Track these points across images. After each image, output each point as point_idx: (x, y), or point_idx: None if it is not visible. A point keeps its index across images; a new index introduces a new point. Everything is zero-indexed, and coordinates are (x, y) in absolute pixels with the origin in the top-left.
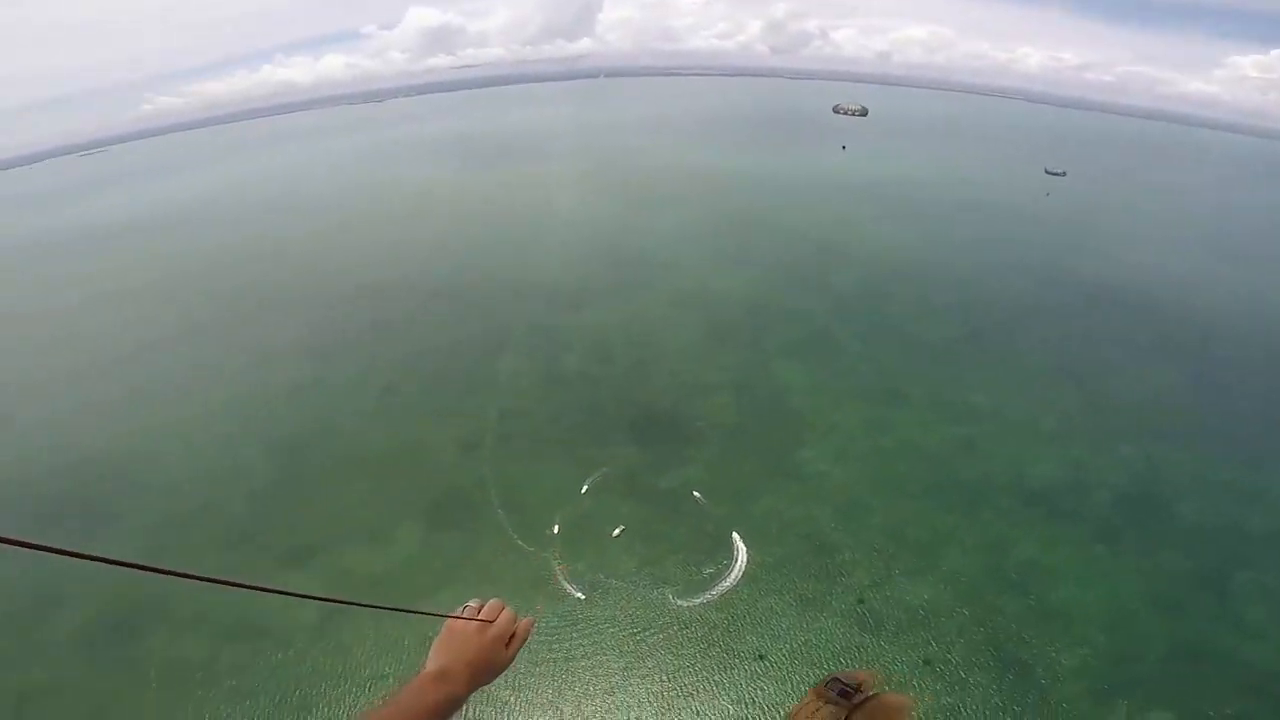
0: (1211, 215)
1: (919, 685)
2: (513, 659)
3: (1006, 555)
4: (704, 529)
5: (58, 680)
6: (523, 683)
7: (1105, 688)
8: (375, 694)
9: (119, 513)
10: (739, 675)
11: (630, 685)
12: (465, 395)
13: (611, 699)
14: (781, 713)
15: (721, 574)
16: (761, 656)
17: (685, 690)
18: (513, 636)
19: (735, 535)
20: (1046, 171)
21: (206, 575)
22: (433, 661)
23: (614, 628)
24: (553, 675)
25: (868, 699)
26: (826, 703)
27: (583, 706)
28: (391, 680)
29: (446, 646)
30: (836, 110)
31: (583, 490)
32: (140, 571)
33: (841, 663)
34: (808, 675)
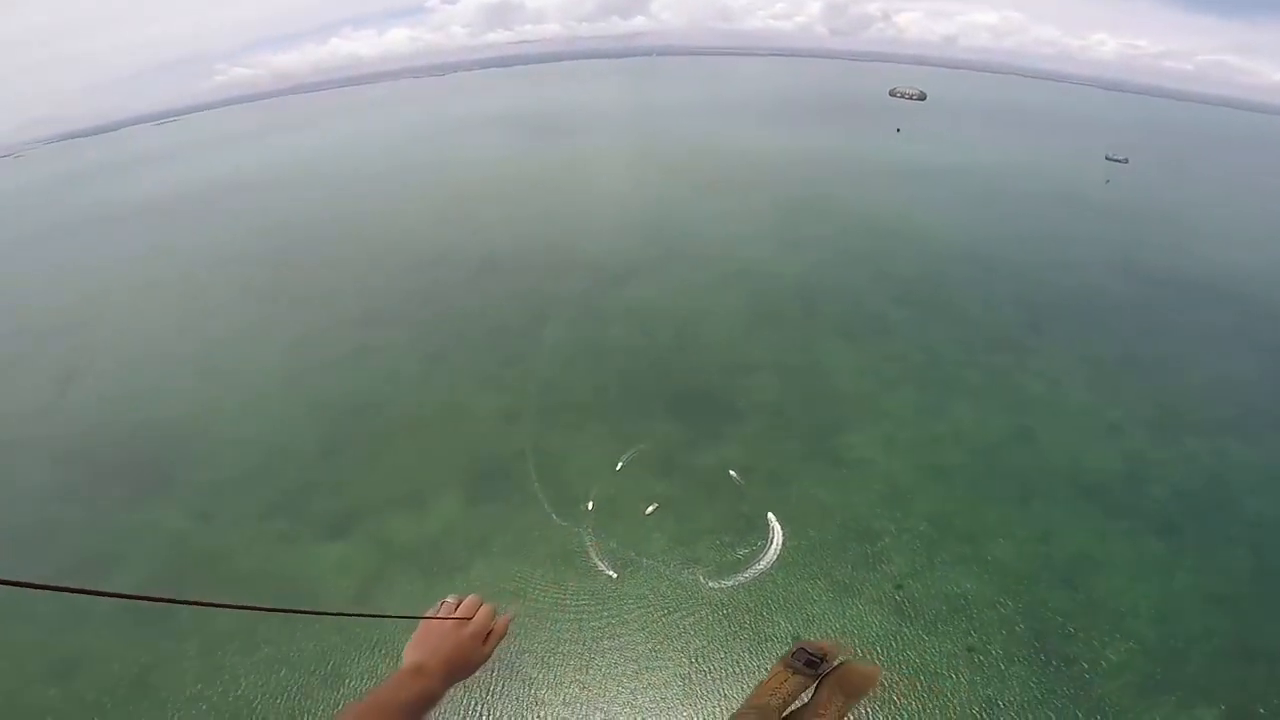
0: None
1: (955, 675)
2: (490, 655)
3: (1057, 547)
4: (739, 510)
5: (104, 647)
6: (550, 660)
7: (1151, 683)
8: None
9: (172, 476)
10: (768, 659)
11: (657, 666)
12: (509, 366)
13: (637, 681)
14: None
15: (755, 556)
16: (796, 638)
17: (713, 672)
18: (490, 633)
19: (771, 516)
20: (1107, 158)
21: (184, 599)
22: (409, 658)
23: (643, 607)
24: (580, 653)
25: (835, 668)
26: (794, 674)
27: (608, 685)
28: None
29: (422, 643)
30: (893, 94)
31: (618, 466)
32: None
33: (878, 651)
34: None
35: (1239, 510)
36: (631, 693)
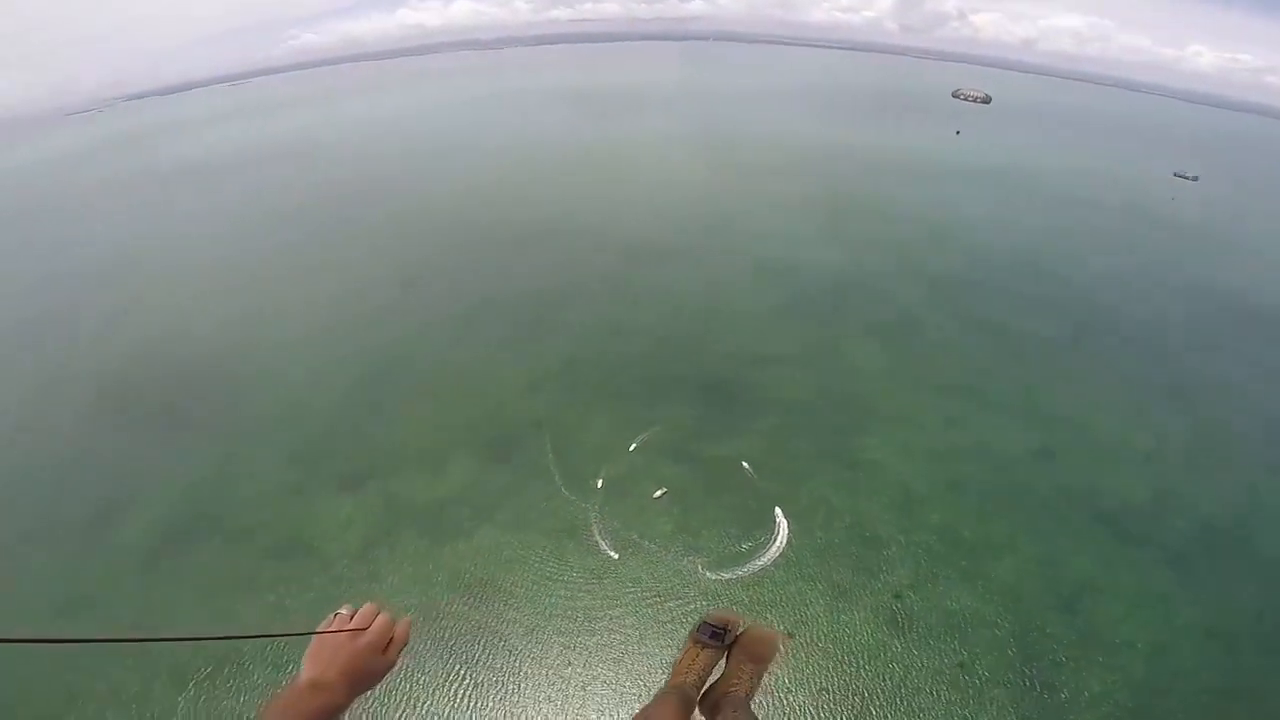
0: None
1: (934, 693)
2: (394, 662)
3: (1062, 572)
4: (747, 503)
5: (112, 589)
6: (538, 632)
7: (1125, 717)
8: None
9: (202, 417)
10: None
11: (644, 650)
12: (535, 338)
13: (621, 664)
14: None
15: (758, 551)
16: (790, 634)
17: None
18: (390, 641)
19: (778, 512)
20: (1175, 175)
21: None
22: (306, 672)
23: (638, 590)
24: (569, 630)
25: (738, 636)
26: (704, 648)
27: (591, 666)
28: (414, 610)
29: (317, 657)
30: (956, 95)
31: (631, 447)
32: None
33: (863, 661)
34: (822, 663)
35: (1256, 549)
36: (617, 675)
